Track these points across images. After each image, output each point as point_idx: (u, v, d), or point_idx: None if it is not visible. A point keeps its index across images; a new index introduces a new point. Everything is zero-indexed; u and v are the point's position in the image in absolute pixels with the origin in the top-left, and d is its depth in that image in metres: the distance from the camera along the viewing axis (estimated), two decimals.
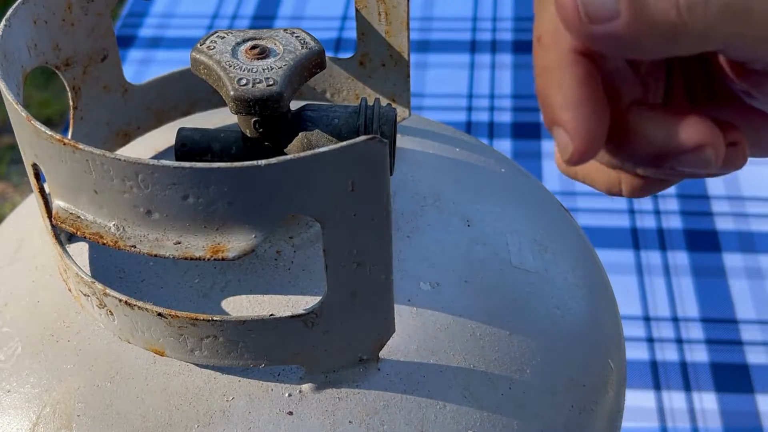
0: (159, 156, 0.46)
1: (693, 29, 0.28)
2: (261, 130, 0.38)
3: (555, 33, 0.30)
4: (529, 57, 1.34)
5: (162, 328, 0.35)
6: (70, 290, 0.38)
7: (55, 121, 1.52)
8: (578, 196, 1.13)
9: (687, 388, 0.93)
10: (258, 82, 0.36)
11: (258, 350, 0.35)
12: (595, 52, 0.30)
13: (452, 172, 0.45)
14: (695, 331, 0.98)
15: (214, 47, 0.38)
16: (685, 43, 0.28)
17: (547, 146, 1.20)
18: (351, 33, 1.38)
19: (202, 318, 0.34)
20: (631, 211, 1.10)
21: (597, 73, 0.30)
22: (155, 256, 0.32)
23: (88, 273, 0.38)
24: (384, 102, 0.46)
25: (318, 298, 0.34)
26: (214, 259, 0.32)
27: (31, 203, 0.45)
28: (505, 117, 1.24)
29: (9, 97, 0.33)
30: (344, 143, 0.30)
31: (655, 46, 0.28)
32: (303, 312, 0.34)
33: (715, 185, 1.13)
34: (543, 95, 0.30)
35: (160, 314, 0.34)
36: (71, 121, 0.44)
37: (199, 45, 0.38)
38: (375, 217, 0.32)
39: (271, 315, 0.34)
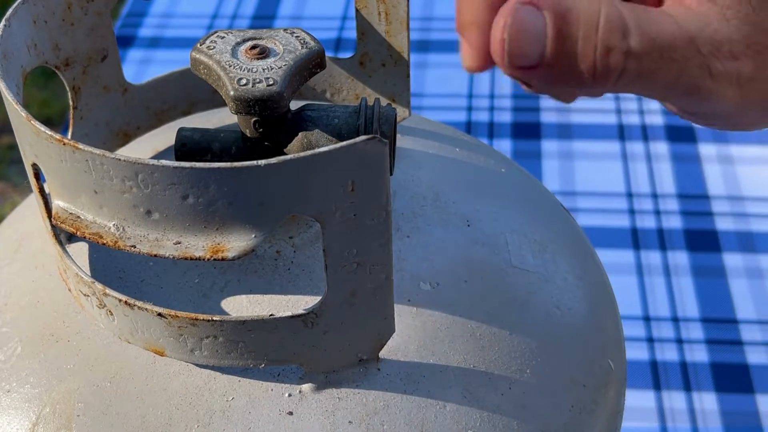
0: (159, 156, 0.46)
1: (604, 89, 0.30)
2: (261, 130, 0.38)
3: None
4: None
5: (162, 328, 0.35)
6: (70, 290, 0.38)
7: (55, 121, 1.52)
8: (578, 196, 1.13)
9: (687, 388, 0.93)
10: (258, 82, 0.36)
11: (258, 350, 0.35)
12: None
13: (452, 172, 0.45)
14: (695, 331, 0.98)
15: (214, 47, 0.38)
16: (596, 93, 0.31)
17: (547, 146, 1.20)
18: (351, 33, 1.38)
19: (202, 318, 0.34)
20: (631, 211, 1.11)
21: None
22: (155, 256, 0.32)
23: (88, 273, 0.38)
24: (384, 102, 0.46)
25: (318, 298, 0.34)
26: (214, 259, 0.32)
27: (31, 203, 0.45)
28: (505, 117, 1.24)
29: (9, 97, 0.33)
30: (344, 143, 0.30)
31: (564, 91, 0.32)
32: (303, 312, 0.34)
33: (715, 185, 1.13)
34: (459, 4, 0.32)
35: (160, 314, 0.34)
36: (71, 121, 0.44)
37: (199, 45, 0.38)
38: (375, 217, 0.32)
39: (271, 315, 0.34)
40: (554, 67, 0.30)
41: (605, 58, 0.29)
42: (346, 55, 0.46)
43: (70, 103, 0.44)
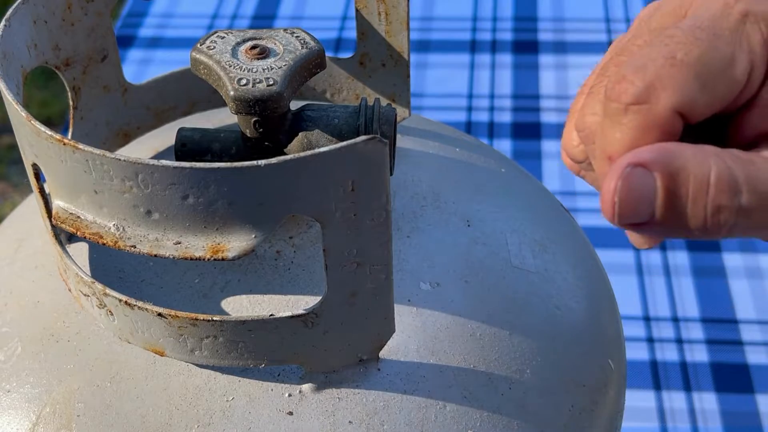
0: (159, 156, 0.46)
1: (712, 239, 0.30)
2: (261, 130, 0.38)
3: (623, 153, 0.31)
4: (528, 57, 1.34)
5: (162, 328, 0.35)
6: (70, 290, 0.38)
7: (55, 121, 1.52)
8: (578, 196, 1.13)
9: (687, 388, 0.93)
10: (258, 82, 0.36)
11: (258, 350, 0.35)
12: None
13: (452, 172, 0.45)
14: (695, 331, 0.98)
15: (214, 47, 0.38)
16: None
17: (547, 146, 1.20)
18: (351, 33, 1.38)
19: (202, 318, 0.34)
20: None
21: None
22: (155, 256, 0.32)
23: (88, 273, 0.38)
24: (384, 102, 0.46)
25: (318, 298, 0.34)
26: (214, 259, 0.32)
27: (31, 203, 0.45)
28: (505, 117, 1.25)
29: (9, 97, 0.33)
30: (344, 143, 0.30)
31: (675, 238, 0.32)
32: (303, 312, 0.34)
33: None
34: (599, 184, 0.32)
35: (160, 314, 0.34)
36: (71, 121, 0.44)
37: (199, 45, 0.38)
38: (375, 217, 0.32)
39: (271, 315, 0.34)
40: (663, 225, 0.30)
41: (716, 216, 0.29)
42: (346, 55, 0.46)
43: (70, 103, 0.44)
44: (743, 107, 0.31)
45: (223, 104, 0.48)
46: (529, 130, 1.22)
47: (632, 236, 0.34)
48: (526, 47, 1.36)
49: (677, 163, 0.29)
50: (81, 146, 0.31)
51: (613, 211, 0.30)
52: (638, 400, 0.91)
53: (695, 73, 0.30)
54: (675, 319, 0.99)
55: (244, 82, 0.36)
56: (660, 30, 0.32)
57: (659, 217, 0.30)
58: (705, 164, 0.29)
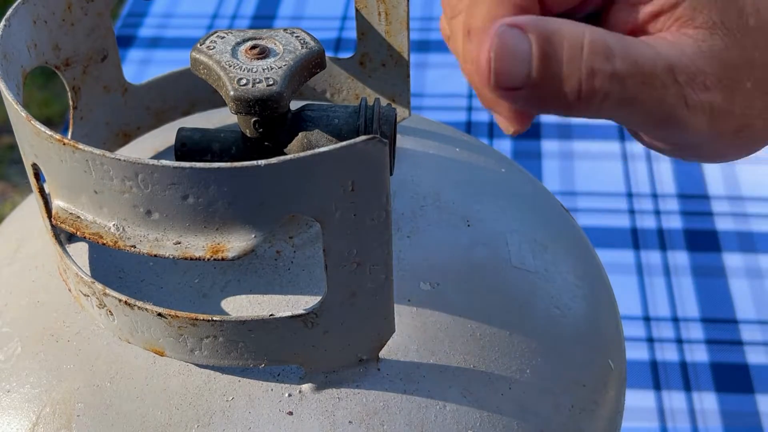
0: (159, 156, 0.46)
1: (588, 113, 0.31)
2: (261, 130, 0.38)
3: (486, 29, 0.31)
4: None
5: (162, 328, 0.35)
6: (70, 290, 0.38)
7: (55, 121, 1.52)
8: (578, 196, 1.13)
9: (687, 388, 0.93)
10: (258, 82, 0.36)
11: (258, 350, 0.35)
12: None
13: (452, 172, 0.46)
14: (695, 331, 0.98)
15: (214, 47, 0.38)
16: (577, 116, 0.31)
17: (547, 146, 1.20)
18: (351, 33, 1.38)
19: (202, 318, 0.34)
20: (631, 211, 1.11)
21: None
22: (155, 256, 0.32)
23: (88, 273, 0.38)
24: (384, 102, 0.46)
25: (318, 298, 0.34)
26: (214, 259, 0.32)
27: (31, 203, 0.45)
28: None
29: (9, 97, 0.33)
30: (344, 143, 0.30)
31: (546, 112, 0.32)
32: (303, 312, 0.34)
33: (715, 185, 1.13)
34: (476, 84, 0.32)
35: (160, 314, 0.34)
36: (71, 121, 0.44)
37: (199, 45, 0.38)
38: (375, 217, 0.32)
39: (271, 315, 0.34)
40: (539, 89, 0.30)
41: (590, 80, 0.30)
42: (346, 55, 0.46)
43: (70, 103, 0.44)
44: (608, 5, 0.32)
45: (223, 104, 0.48)
46: (529, 130, 1.22)
47: (501, 119, 0.34)
48: None
49: (552, 27, 0.30)
50: (81, 146, 0.31)
51: (489, 70, 0.30)
52: (638, 400, 0.91)
53: None
54: (675, 319, 0.99)
55: (244, 82, 0.37)
56: None
57: (535, 79, 0.30)
58: (578, 29, 0.30)
